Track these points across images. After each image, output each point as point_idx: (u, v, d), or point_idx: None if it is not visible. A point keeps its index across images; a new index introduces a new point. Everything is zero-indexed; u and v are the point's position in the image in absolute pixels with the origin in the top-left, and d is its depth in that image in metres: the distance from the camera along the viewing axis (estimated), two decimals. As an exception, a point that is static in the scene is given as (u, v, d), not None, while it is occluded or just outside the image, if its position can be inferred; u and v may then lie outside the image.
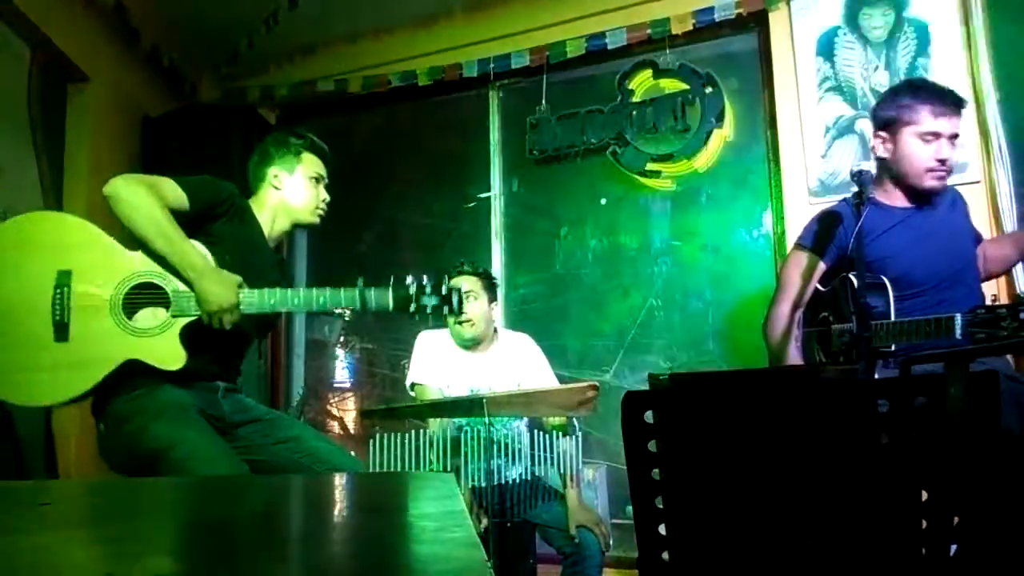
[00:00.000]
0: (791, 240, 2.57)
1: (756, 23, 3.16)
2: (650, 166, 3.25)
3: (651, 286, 3.35)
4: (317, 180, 2.08)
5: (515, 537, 2.28)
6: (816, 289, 2.22)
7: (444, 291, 1.86)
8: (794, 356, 2.20)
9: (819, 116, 2.96)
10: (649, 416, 0.99)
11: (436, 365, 2.58)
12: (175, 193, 1.78)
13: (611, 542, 2.38)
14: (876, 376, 1.85)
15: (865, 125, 2.80)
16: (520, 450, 2.06)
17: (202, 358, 1.81)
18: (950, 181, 2.15)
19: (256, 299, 1.81)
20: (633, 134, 3.23)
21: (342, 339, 4.22)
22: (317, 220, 2.10)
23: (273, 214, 2.05)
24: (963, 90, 2.70)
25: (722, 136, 3.20)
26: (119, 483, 1.66)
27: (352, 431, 3.99)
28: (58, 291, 1.71)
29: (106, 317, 1.73)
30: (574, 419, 2.41)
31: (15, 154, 2.90)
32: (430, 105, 3.79)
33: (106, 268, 1.75)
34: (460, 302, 1.88)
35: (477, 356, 2.60)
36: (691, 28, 3.14)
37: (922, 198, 2.11)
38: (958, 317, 1.79)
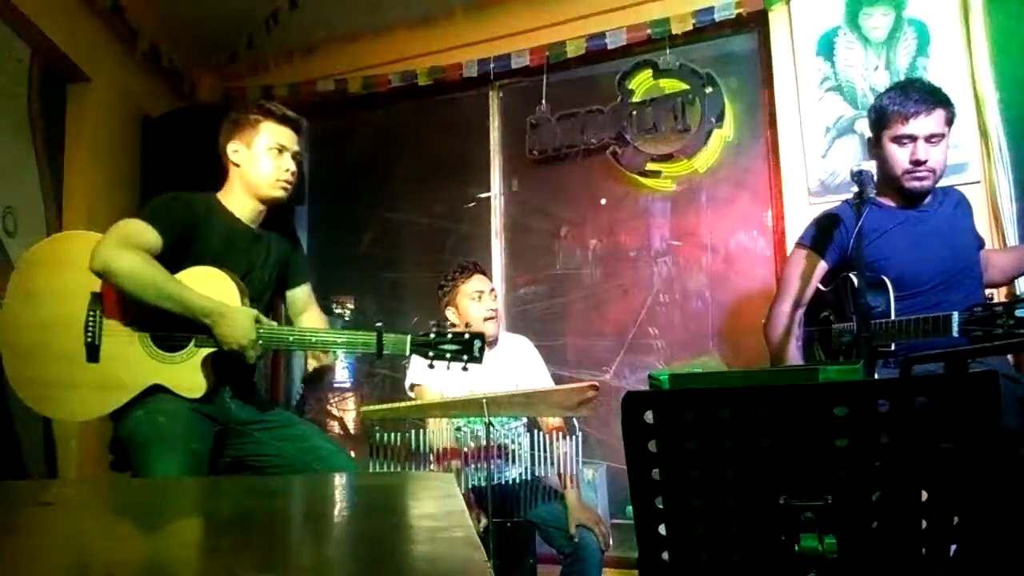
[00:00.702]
0: (791, 240, 2.57)
1: (756, 23, 3.16)
2: (650, 166, 3.25)
3: (651, 286, 3.35)
4: (280, 151, 1.95)
5: (515, 537, 2.28)
6: (817, 289, 2.22)
7: (467, 337, 1.85)
8: (795, 356, 2.20)
9: (819, 116, 2.96)
10: (649, 416, 0.99)
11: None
12: (151, 236, 1.76)
13: (611, 542, 2.38)
14: (876, 376, 1.85)
15: (865, 125, 2.79)
16: (519, 450, 2.05)
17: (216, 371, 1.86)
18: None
19: (276, 335, 1.84)
20: (633, 134, 3.23)
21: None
22: (281, 193, 1.97)
23: (240, 194, 1.96)
24: (963, 90, 2.71)
25: (722, 136, 3.20)
26: (118, 483, 1.67)
27: (352, 431, 3.99)
28: (91, 313, 1.80)
29: (134, 342, 1.81)
30: (574, 419, 2.41)
31: (15, 154, 2.90)
32: (430, 105, 3.78)
33: None
34: (482, 349, 1.86)
35: (477, 356, 2.60)
36: (691, 28, 3.15)
37: (911, 200, 2.11)
38: (955, 315, 1.81)
